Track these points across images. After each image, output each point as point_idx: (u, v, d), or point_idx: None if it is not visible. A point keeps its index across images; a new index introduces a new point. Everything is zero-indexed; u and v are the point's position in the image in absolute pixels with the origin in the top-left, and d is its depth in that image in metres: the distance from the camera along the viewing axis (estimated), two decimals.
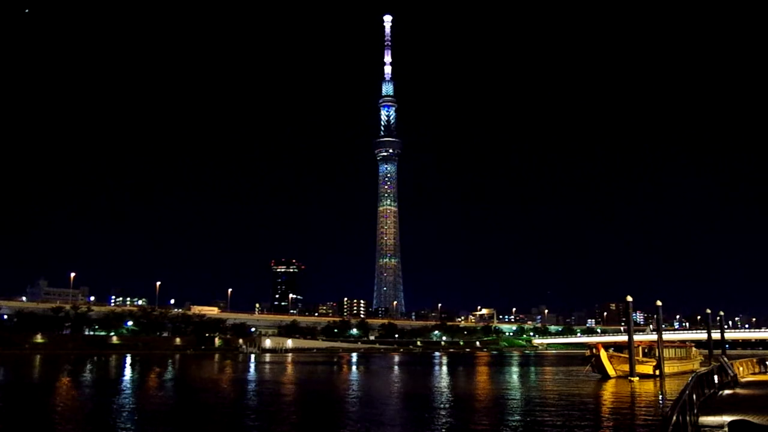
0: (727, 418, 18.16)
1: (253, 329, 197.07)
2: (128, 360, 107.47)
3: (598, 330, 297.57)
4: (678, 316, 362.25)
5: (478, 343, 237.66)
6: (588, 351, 71.72)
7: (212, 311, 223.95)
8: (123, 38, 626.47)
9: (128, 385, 56.62)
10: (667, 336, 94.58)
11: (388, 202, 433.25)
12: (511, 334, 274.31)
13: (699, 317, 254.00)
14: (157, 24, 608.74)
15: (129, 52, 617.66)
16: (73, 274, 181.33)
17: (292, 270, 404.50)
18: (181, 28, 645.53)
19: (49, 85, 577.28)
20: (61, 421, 32.39)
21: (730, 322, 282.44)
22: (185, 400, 46.18)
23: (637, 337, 71.80)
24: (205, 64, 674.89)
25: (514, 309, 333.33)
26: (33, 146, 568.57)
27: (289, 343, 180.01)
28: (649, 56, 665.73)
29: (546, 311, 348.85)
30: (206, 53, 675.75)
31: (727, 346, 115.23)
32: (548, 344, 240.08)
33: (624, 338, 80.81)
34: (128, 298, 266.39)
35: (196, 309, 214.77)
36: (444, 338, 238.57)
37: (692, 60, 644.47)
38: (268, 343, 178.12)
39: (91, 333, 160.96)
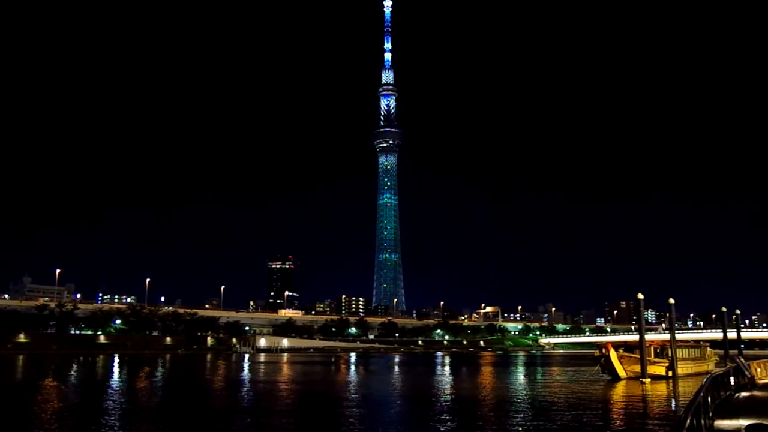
0: (744, 422, 17.90)
1: (247, 328, 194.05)
2: (116, 360, 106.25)
3: (608, 329, 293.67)
4: (692, 315, 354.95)
5: (482, 342, 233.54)
6: (597, 351, 71.31)
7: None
8: (114, 36, 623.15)
9: (115, 387, 55.36)
10: (680, 335, 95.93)
11: (389, 195, 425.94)
12: (517, 333, 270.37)
13: (714, 316, 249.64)
14: (153, 19, 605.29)
15: (121, 48, 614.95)
16: (58, 271, 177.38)
17: (287, 266, 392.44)
18: (174, 21, 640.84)
19: (39, 83, 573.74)
20: (42, 426, 31.17)
21: (747, 321, 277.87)
22: (174, 402, 44.99)
23: (648, 337, 71.49)
24: (199, 58, 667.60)
25: (519, 307, 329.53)
26: (19, 143, 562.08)
27: (285, 342, 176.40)
28: (666, 48, 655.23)
29: (553, 309, 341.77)
30: (197, 46, 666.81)
31: (743, 346, 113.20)
32: (555, 344, 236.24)
33: (635, 338, 78.76)
34: (116, 296, 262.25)
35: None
36: (446, 337, 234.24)
37: (701, 57, 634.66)
38: (262, 342, 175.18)
39: (78, 332, 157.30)
